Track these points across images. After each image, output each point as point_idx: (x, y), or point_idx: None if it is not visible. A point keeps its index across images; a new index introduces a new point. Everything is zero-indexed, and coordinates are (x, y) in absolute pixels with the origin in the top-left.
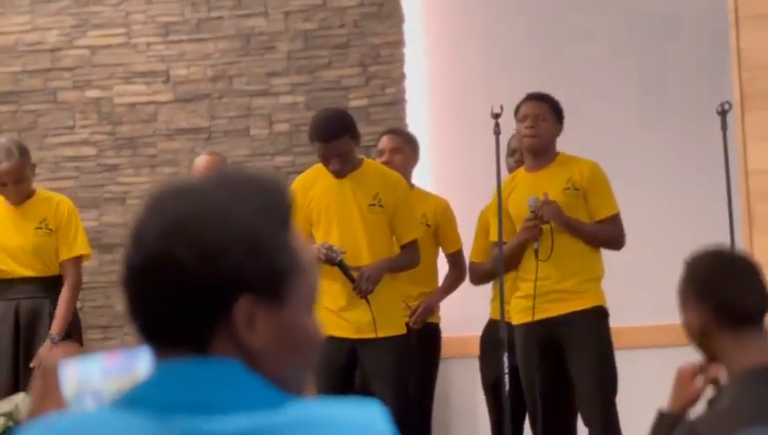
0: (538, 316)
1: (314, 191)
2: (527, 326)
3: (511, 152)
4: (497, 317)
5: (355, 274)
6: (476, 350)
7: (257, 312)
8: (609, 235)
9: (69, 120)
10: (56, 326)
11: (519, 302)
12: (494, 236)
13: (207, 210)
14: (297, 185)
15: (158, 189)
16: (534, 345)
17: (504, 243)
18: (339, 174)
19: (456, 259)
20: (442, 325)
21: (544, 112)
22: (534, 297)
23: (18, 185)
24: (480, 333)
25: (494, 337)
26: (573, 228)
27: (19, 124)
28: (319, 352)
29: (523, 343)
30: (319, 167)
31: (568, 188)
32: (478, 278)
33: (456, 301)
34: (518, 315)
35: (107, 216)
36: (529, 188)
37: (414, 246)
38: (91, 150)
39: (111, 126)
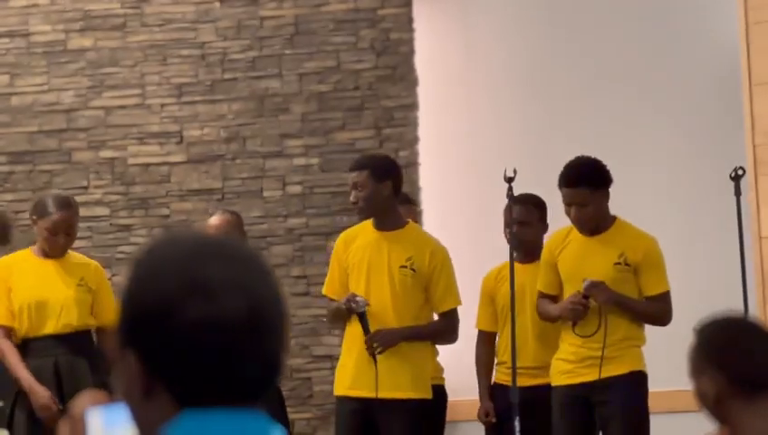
0: (576, 380)
1: (355, 245)
2: (564, 388)
3: (507, 223)
4: (501, 381)
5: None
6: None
7: None
8: (656, 313)
9: (83, 180)
10: None
11: (558, 364)
12: (540, 286)
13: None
14: (342, 237)
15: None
16: (569, 408)
17: (549, 295)
18: (357, 210)
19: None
20: (449, 388)
21: (584, 197)
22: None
23: (68, 238)
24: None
25: (500, 400)
26: (624, 306)
27: (34, 184)
28: None
29: (558, 405)
30: (366, 224)
31: (619, 263)
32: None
33: (461, 363)
34: (556, 377)
35: (119, 276)
36: (581, 252)
37: (450, 316)
38: (104, 211)
39: (125, 186)
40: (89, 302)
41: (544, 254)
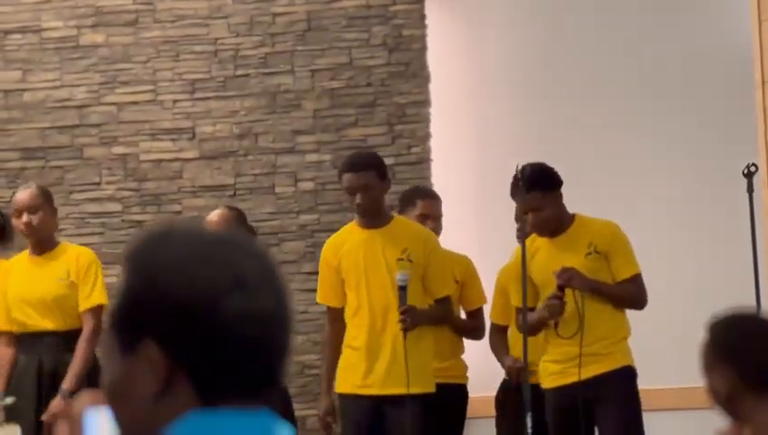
0: (566, 380)
1: (344, 249)
2: (555, 391)
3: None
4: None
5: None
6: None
7: None
8: (632, 295)
9: (95, 176)
10: (68, 381)
11: (547, 366)
12: (515, 301)
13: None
14: (328, 245)
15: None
16: (564, 409)
17: (528, 308)
18: (363, 211)
19: (476, 315)
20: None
21: (537, 201)
22: (561, 362)
23: (32, 215)
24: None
25: (511, 398)
26: (599, 291)
27: (46, 180)
28: None
29: (553, 407)
30: (349, 226)
31: (590, 253)
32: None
33: (477, 360)
34: (547, 379)
35: None
36: (550, 254)
37: (447, 302)
38: (116, 207)
39: (137, 182)
40: (73, 297)
41: (514, 265)
